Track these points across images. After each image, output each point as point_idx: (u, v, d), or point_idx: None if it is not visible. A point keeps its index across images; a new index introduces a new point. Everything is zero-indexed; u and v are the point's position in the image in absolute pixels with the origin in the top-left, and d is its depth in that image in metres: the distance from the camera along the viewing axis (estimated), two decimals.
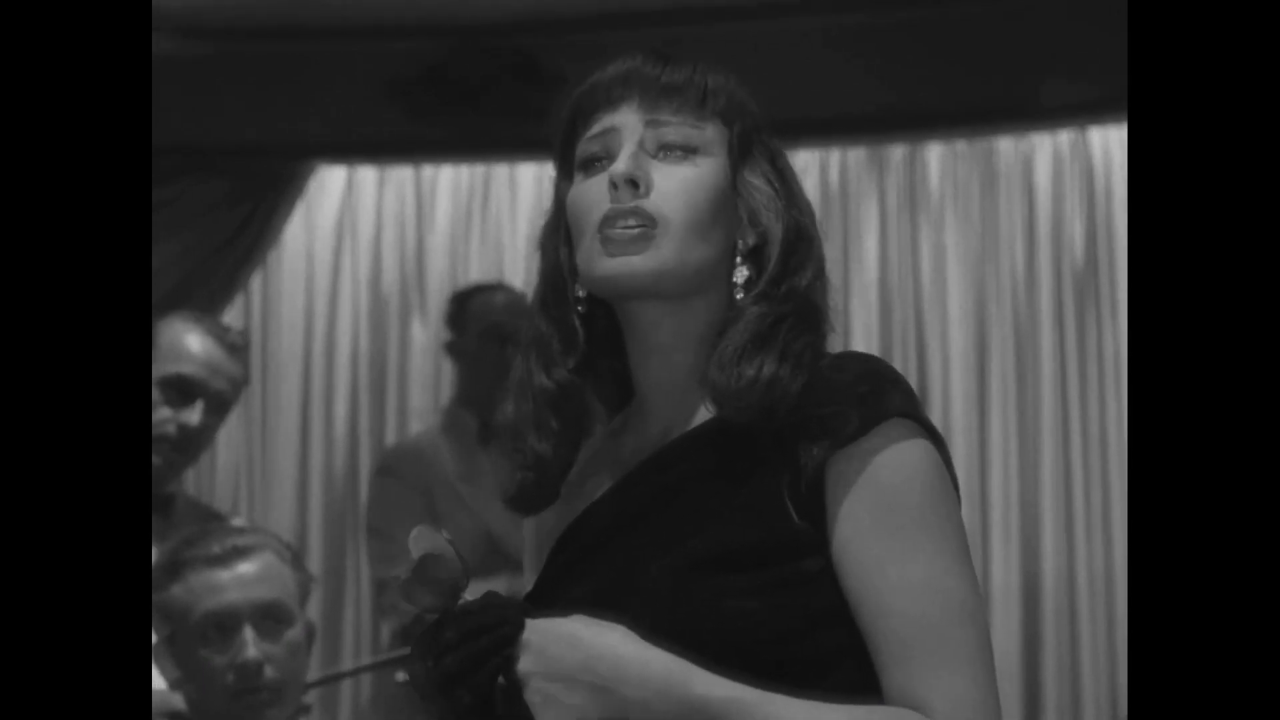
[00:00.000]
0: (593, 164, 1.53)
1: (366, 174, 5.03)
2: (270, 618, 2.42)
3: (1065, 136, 4.76)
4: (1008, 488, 4.68)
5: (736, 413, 1.46)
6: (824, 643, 1.43)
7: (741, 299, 1.51)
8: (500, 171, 5.00)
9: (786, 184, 1.56)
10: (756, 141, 1.57)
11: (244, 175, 4.91)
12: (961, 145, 4.81)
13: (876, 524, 1.42)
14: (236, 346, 3.09)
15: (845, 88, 4.74)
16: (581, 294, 1.55)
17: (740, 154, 1.55)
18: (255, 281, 4.98)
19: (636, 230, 1.48)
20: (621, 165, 1.49)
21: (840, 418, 1.43)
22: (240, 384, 3.12)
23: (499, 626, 1.41)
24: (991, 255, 4.76)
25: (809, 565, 1.42)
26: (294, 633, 2.45)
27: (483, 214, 5.00)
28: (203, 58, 4.88)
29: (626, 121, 1.53)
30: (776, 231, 1.53)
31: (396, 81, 4.74)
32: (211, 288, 4.87)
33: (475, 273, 4.83)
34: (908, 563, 1.41)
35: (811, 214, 1.57)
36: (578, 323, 1.55)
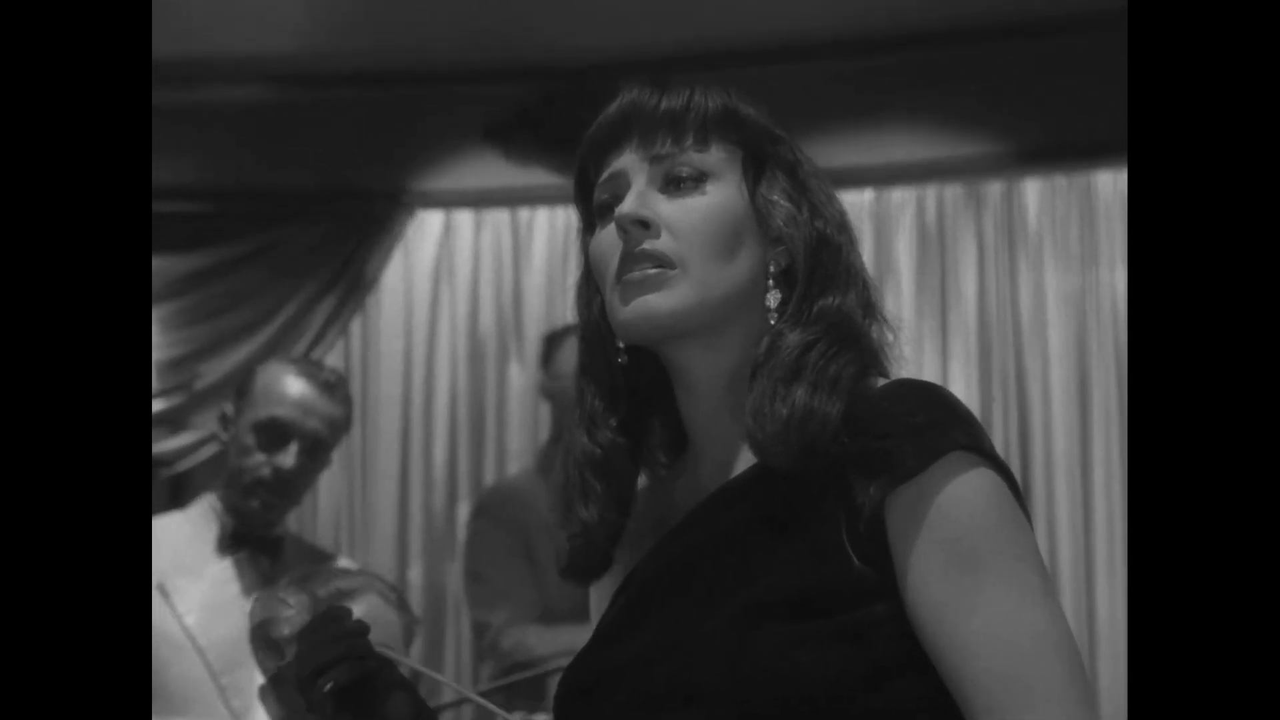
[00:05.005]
0: (606, 211, 1.48)
1: (463, 217, 5.07)
2: None
3: None
4: (1111, 523, 4.62)
5: (777, 458, 1.37)
6: (899, 693, 1.33)
7: (775, 324, 1.43)
8: None
9: (809, 195, 1.47)
10: (771, 156, 1.47)
11: (343, 220, 4.96)
12: (1060, 180, 4.77)
13: (948, 567, 1.32)
14: (330, 384, 3.07)
15: (940, 125, 4.73)
16: (621, 345, 1.48)
17: (755, 172, 1.46)
18: (355, 324, 5.03)
19: (653, 272, 1.42)
20: (626, 207, 1.43)
21: (898, 452, 1.33)
22: (340, 423, 3.09)
23: (346, 636, 1.49)
24: (1092, 290, 4.71)
25: (876, 611, 1.33)
26: None
27: (579, 256, 5.00)
28: (301, 104, 4.94)
29: (630, 162, 1.47)
30: (799, 247, 1.44)
31: (494, 125, 4.78)
32: (311, 331, 4.92)
33: (571, 314, 4.81)
34: (987, 606, 1.31)
35: (840, 222, 1.47)
36: (619, 378, 1.49)
